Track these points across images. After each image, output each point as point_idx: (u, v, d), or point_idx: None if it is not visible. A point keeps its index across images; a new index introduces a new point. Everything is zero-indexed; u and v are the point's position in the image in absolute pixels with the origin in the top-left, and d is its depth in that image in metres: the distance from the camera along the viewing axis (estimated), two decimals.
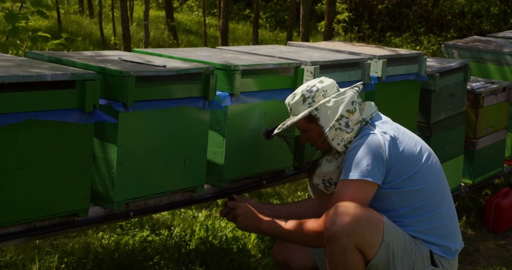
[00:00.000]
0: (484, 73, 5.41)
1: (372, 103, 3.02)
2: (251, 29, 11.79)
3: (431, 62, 4.41)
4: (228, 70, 3.02)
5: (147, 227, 3.91)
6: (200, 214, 4.26)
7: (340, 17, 12.57)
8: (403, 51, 4.25)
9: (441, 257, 2.88)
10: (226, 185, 3.14)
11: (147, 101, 2.72)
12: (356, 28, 13.64)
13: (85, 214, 2.65)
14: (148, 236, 3.81)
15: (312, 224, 2.86)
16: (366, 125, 2.91)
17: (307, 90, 2.92)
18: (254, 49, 3.73)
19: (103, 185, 2.71)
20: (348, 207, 2.72)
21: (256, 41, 10.06)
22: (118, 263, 3.48)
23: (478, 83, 4.81)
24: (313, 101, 2.90)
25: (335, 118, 2.86)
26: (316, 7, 12.99)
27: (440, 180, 2.95)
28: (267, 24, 14.10)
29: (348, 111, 2.87)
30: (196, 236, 3.86)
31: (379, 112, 3.00)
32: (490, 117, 4.86)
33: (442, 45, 5.62)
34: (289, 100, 2.98)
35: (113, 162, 2.67)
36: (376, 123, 2.92)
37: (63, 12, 10.92)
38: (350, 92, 2.92)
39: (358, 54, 3.83)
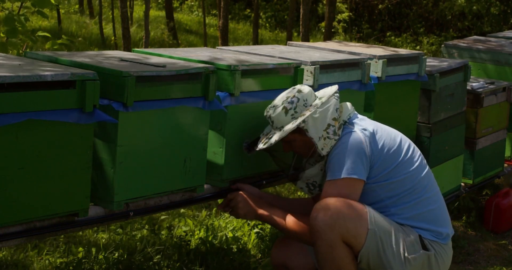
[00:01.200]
0: (484, 73, 5.41)
1: (349, 104, 3.05)
2: (251, 29, 11.80)
3: (431, 62, 4.41)
4: (228, 70, 3.02)
5: (147, 227, 3.91)
6: (200, 214, 4.26)
7: (340, 17, 12.58)
8: (403, 51, 4.25)
9: (432, 241, 2.91)
10: (226, 185, 3.13)
11: (147, 101, 2.72)
12: (356, 28, 13.64)
13: (85, 214, 2.65)
14: (148, 236, 3.81)
15: (305, 220, 2.89)
16: (345, 125, 2.95)
17: (288, 102, 2.92)
18: (254, 49, 3.73)
19: (103, 185, 2.71)
20: (328, 202, 2.77)
21: (256, 41, 10.06)
22: (118, 263, 3.48)
23: (478, 83, 4.81)
24: (295, 112, 2.91)
25: (323, 128, 2.87)
26: (318, 8, 12.99)
27: (422, 168, 2.98)
28: (267, 24, 14.10)
29: (333, 119, 2.90)
30: (196, 236, 3.86)
31: (355, 112, 3.05)
32: (490, 117, 4.86)
33: (442, 45, 5.62)
34: (270, 112, 2.97)
35: (113, 162, 2.67)
36: (354, 121, 2.97)
37: (63, 12, 10.92)
38: (333, 100, 2.93)
39: (358, 54, 3.83)
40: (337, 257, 2.74)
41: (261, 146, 2.97)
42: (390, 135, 2.97)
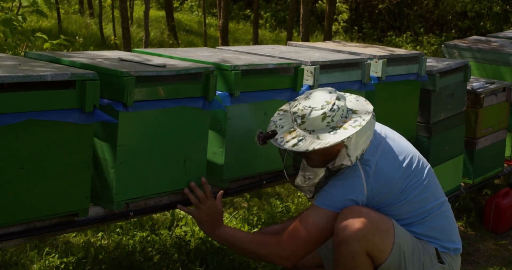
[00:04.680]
0: (484, 73, 5.41)
1: (374, 119, 2.89)
2: (251, 29, 11.80)
3: (431, 62, 4.41)
4: (228, 70, 3.02)
5: (147, 227, 3.91)
6: None
7: (341, 17, 12.58)
8: (403, 51, 4.25)
9: (444, 254, 2.90)
10: (226, 185, 3.14)
11: (147, 101, 2.72)
12: (357, 28, 13.64)
13: (85, 214, 2.65)
14: (148, 236, 3.81)
15: (272, 240, 2.84)
16: None
17: (330, 109, 2.72)
18: (254, 49, 3.73)
19: (103, 185, 2.71)
20: (359, 213, 2.72)
21: (256, 41, 10.06)
22: (118, 263, 3.48)
23: (478, 83, 4.81)
24: (332, 120, 2.73)
25: (363, 149, 2.76)
26: (317, 5, 12.98)
27: (432, 183, 2.91)
28: (267, 24, 14.10)
29: (370, 141, 2.80)
30: (196, 236, 3.86)
31: None
32: (490, 117, 4.86)
33: (442, 45, 5.62)
34: (305, 112, 2.74)
35: (113, 162, 2.67)
36: None
37: (63, 12, 10.92)
38: (372, 120, 2.80)
39: (358, 54, 3.83)
40: (359, 268, 2.73)
41: (288, 147, 2.74)
42: (394, 157, 2.83)
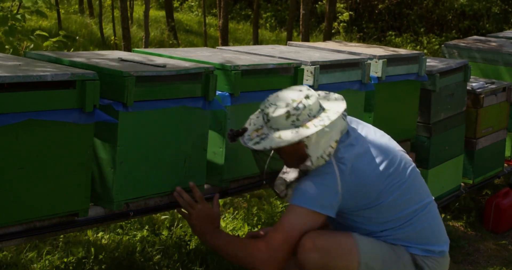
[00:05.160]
0: (484, 73, 5.41)
1: (346, 119, 2.77)
2: (251, 29, 11.80)
3: (431, 62, 4.41)
4: (228, 70, 3.02)
5: (147, 227, 3.91)
6: None
7: (341, 18, 12.58)
8: (403, 51, 4.25)
9: (425, 258, 2.81)
10: (226, 185, 3.13)
11: (147, 101, 2.72)
12: (357, 28, 13.64)
13: (85, 214, 2.65)
14: (148, 236, 3.81)
15: (251, 242, 2.78)
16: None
17: (294, 108, 2.65)
18: (254, 49, 3.73)
19: (103, 185, 2.71)
20: (315, 240, 2.65)
21: (256, 41, 10.06)
22: (118, 263, 3.48)
23: (478, 83, 4.81)
24: (298, 119, 2.65)
25: (324, 149, 2.65)
26: (317, 6, 12.99)
27: (415, 184, 2.81)
28: (267, 24, 14.10)
29: (336, 141, 2.69)
30: (196, 236, 3.86)
31: (349, 128, 2.79)
32: (490, 117, 4.86)
33: (442, 45, 5.62)
34: (269, 110, 2.68)
35: (113, 162, 2.67)
36: (338, 147, 2.72)
37: (63, 12, 10.92)
38: (341, 120, 2.70)
39: (358, 54, 3.83)
40: None
41: (250, 144, 2.72)
42: (373, 157, 2.73)
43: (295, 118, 2.66)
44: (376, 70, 3.77)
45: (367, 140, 2.79)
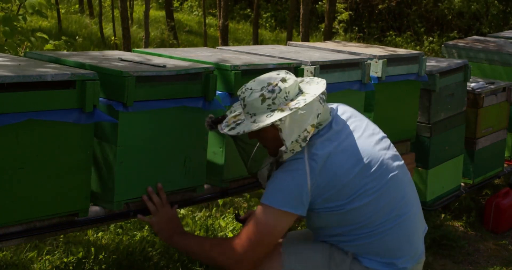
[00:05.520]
0: (484, 73, 5.42)
1: (327, 108, 2.67)
2: (251, 29, 11.80)
3: (431, 62, 4.41)
4: (228, 70, 3.02)
5: (147, 227, 3.91)
6: (200, 214, 4.26)
7: (341, 17, 12.58)
8: (403, 51, 4.25)
9: None
10: (226, 185, 3.13)
11: (147, 101, 2.72)
12: (356, 28, 13.64)
13: (85, 214, 2.65)
14: (148, 236, 3.81)
15: (224, 242, 2.74)
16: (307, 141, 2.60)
17: (269, 90, 2.56)
18: (254, 49, 3.73)
19: (103, 185, 2.71)
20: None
21: (256, 41, 10.07)
22: (118, 263, 3.48)
23: (478, 83, 4.81)
24: (273, 103, 2.56)
25: (299, 133, 2.54)
26: (317, 6, 12.99)
27: (392, 192, 2.64)
28: (267, 24, 14.11)
29: (312, 125, 2.56)
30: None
31: (334, 117, 2.68)
32: (490, 117, 4.86)
33: (442, 45, 5.62)
34: (245, 95, 2.60)
35: (113, 162, 2.67)
36: (317, 140, 2.60)
37: (63, 12, 10.93)
38: (316, 103, 2.57)
39: (358, 54, 3.83)
40: None
41: (226, 130, 2.62)
42: (350, 158, 2.59)
43: (271, 101, 2.57)
44: (376, 70, 3.77)
45: (349, 137, 2.65)
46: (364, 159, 2.61)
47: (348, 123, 2.69)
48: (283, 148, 2.56)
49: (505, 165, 5.26)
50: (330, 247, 2.71)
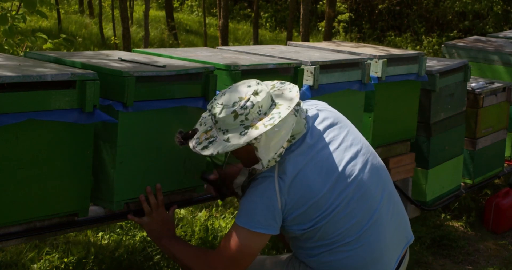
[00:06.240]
0: (484, 73, 5.42)
1: (304, 119, 2.57)
2: (251, 29, 11.80)
3: (431, 62, 4.41)
4: (228, 70, 3.02)
5: None
6: (200, 214, 4.26)
7: (340, 17, 12.58)
8: (403, 51, 4.25)
9: None
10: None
11: (147, 101, 2.72)
12: (356, 28, 13.64)
13: (85, 214, 2.65)
14: (148, 236, 3.81)
15: (210, 253, 2.66)
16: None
17: (241, 107, 2.44)
18: (254, 49, 3.73)
19: (103, 185, 2.71)
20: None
21: (256, 41, 10.07)
22: (118, 263, 3.48)
23: (478, 83, 4.81)
24: (246, 119, 2.44)
25: (275, 151, 2.45)
26: (318, 6, 13.00)
27: (362, 209, 2.57)
28: (267, 24, 14.11)
29: (288, 141, 2.49)
30: (196, 236, 3.86)
31: (309, 129, 2.59)
32: (490, 117, 4.86)
33: (442, 45, 5.62)
34: (216, 111, 2.48)
35: (113, 162, 2.67)
36: (288, 156, 2.52)
37: (63, 12, 10.93)
38: (292, 117, 2.47)
39: (358, 54, 3.83)
40: None
41: (198, 149, 2.53)
42: (321, 173, 2.52)
43: (244, 117, 2.45)
44: (376, 70, 3.77)
45: (323, 151, 2.56)
46: (336, 175, 2.54)
47: (325, 134, 2.60)
48: (259, 166, 2.48)
49: (505, 165, 5.26)
50: (290, 259, 2.72)
